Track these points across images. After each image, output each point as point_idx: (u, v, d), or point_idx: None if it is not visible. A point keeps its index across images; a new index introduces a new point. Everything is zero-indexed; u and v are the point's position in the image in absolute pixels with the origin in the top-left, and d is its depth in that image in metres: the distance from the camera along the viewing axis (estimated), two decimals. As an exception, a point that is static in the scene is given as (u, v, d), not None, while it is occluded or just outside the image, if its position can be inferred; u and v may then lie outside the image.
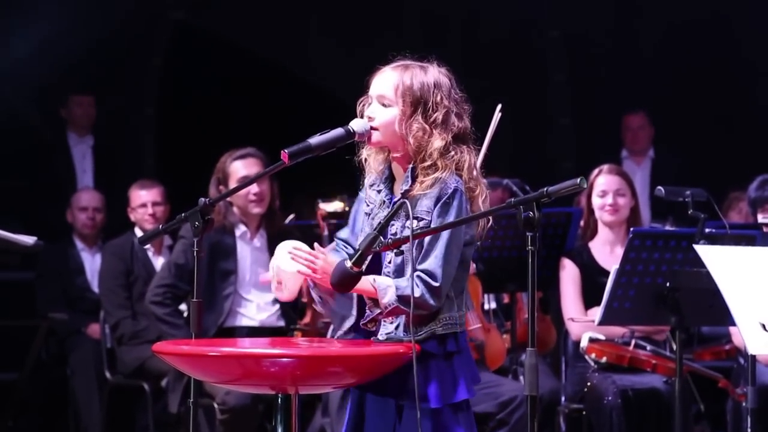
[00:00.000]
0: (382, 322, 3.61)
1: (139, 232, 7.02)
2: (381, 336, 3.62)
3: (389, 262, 3.60)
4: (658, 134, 9.22)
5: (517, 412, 5.67)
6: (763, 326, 3.71)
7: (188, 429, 4.12)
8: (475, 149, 3.66)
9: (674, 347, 5.12)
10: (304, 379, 3.48)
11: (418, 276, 3.50)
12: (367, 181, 3.71)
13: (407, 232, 3.50)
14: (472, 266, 4.75)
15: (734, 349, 6.21)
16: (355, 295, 3.64)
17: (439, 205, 3.53)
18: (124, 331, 6.81)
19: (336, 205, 6.58)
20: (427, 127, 3.57)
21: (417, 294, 3.49)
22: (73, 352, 7.27)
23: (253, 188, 6.11)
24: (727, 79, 9.52)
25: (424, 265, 3.51)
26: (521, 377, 5.90)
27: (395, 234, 3.58)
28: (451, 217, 3.52)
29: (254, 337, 5.94)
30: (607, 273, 5.35)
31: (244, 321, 6.16)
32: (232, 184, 6.01)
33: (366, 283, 3.52)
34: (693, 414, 6.04)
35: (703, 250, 3.92)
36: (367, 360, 3.51)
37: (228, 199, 6.11)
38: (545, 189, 3.35)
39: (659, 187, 5.16)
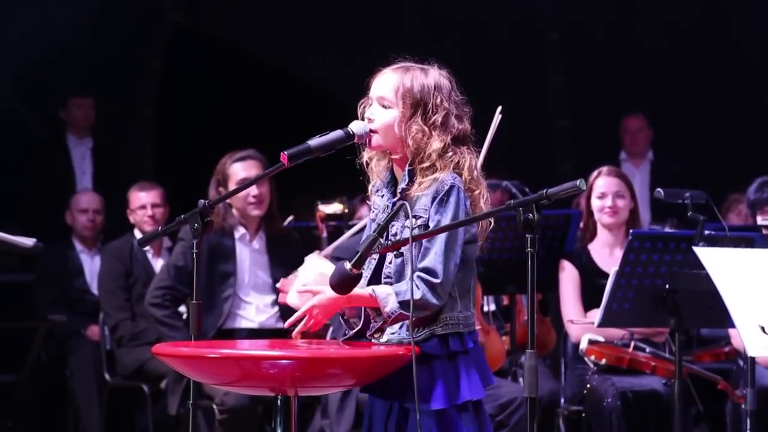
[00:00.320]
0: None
1: (138, 234, 7.02)
2: (383, 337, 3.61)
3: (389, 263, 3.60)
4: (658, 136, 9.23)
5: (517, 413, 5.66)
6: (762, 328, 3.71)
7: (187, 430, 4.12)
8: (476, 151, 3.66)
9: (673, 349, 5.11)
10: (304, 381, 3.48)
11: (417, 276, 3.49)
12: (372, 187, 3.72)
13: (406, 233, 3.50)
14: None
15: (733, 351, 6.21)
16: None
17: (436, 202, 3.53)
18: (124, 332, 6.81)
19: (335, 207, 6.59)
20: (426, 129, 3.58)
21: (418, 296, 3.48)
22: (72, 354, 7.26)
23: (253, 190, 6.11)
24: (726, 81, 9.52)
25: (424, 263, 3.50)
26: (521, 379, 5.90)
27: (395, 234, 3.58)
28: (448, 213, 3.52)
29: (253, 339, 5.94)
30: (606, 275, 5.35)
31: (243, 323, 6.16)
32: (232, 186, 6.01)
33: (365, 295, 3.52)
34: (692, 416, 6.04)
35: (703, 252, 3.93)
36: (366, 362, 3.51)
37: (227, 201, 6.10)
38: (544, 191, 3.35)
39: (658, 189, 5.17)
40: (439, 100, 3.59)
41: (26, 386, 7.40)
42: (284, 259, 6.23)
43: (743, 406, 5.16)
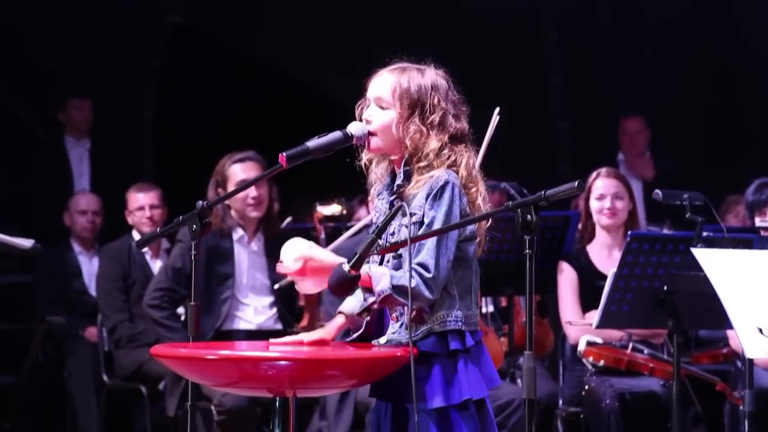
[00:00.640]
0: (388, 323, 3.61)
1: (136, 235, 7.02)
2: (382, 338, 3.62)
3: (387, 262, 3.61)
4: (656, 137, 9.23)
5: (515, 415, 5.66)
6: (760, 330, 3.71)
7: (186, 432, 4.13)
8: (474, 150, 3.66)
9: (672, 350, 5.11)
10: (302, 382, 3.48)
11: (414, 269, 3.50)
12: (373, 191, 3.72)
13: (404, 232, 3.50)
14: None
15: (731, 353, 6.22)
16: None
17: (430, 197, 3.53)
18: (122, 334, 6.81)
19: (333, 209, 6.59)
20: (423, 129, 3.58)
21: (413, 284, 3.48)
22: (70, 355, 7.26)
23: (252, 192, 6.11)
24: (724, 83, 9.53)
25: (418, 259, 3.51)
26: (519, 380, 5.90)
27: (393, 234, 3.58)
28: (442, 208, 3.52)
29: (252, 341, 5.94)
30: (604, 276, 5.35)
31: (241, 324, 6.16)
32: (231, 188, 6.01)
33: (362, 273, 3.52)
34: (690, 417, 6.04)
35: (701, 254, 3.93)
36: (364, 363, 3.51)
37: (226, 202, 6.10)
38: (543, 192, 3.35)
39: (657, 191, 5.16)
40: (436, 100, 3.60)
41: (24, 387, 7.39)
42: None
43: (741, 407, 5.16)
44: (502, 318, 6.46)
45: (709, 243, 4.89)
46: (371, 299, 3.55)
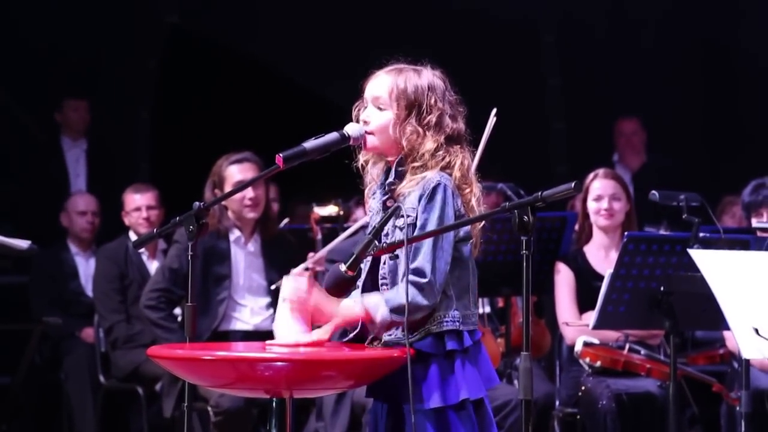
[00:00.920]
0: None
1: (133, 236, 7.01)
2: (375, 341, 3.62)
3: (384, 264, 3.60)
4: (653, 139, 9.24)
5: (512, 416, 5.66)
6: (757, 331, 3.72)
7: (182, 433, 4.12)
8: (470, 150, 3.66)
9: (668, 351, 5.12)
10: (299, 383, 3.48)
11: (409, 280, 3.49)
12: (368, 191, 3.72)
13: (398, 234, 3.50)
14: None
15: (728, 354, 6.22)
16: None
17: (423, 200, 3.53)
18: (118, 335, 6.80)
19: (330, 210, 6.58)
20: (420, 129, 3.58)
21: (407, 300, 3.47)
22: (67, 356, 7.26)
23: (249, 193, 6.10)
24: (722, 84, 9.54)
25: (414, 264, 3.50)
26: (515, 381, 5.90)
27: (387, 235, 3.58)
28: (435, 211, 3.52)
29: (248, 341, 5.94)
30: (601, 277, 5.36)
31: (238, 325, 6.15)
32: (228, 188, 6.00)
33: (356, 311, 3.52)
34: (687, 418, 6.05)
35: (698, 255, 3.93)
36: (361, 364, 3.50)
37: (223, 203, 6.10)
38: (540, 193, 3.35)
39: (653, 192, 5.17)
40: (432, 101, 3.60)
41: (21, 388, 7.39)
42: (279, 262, 6.24)
43: (738, 408, 5.17)
44: (499, 319, 6.46)
45: (706, 244, 4.90)
46: (376, 329, 3.53)
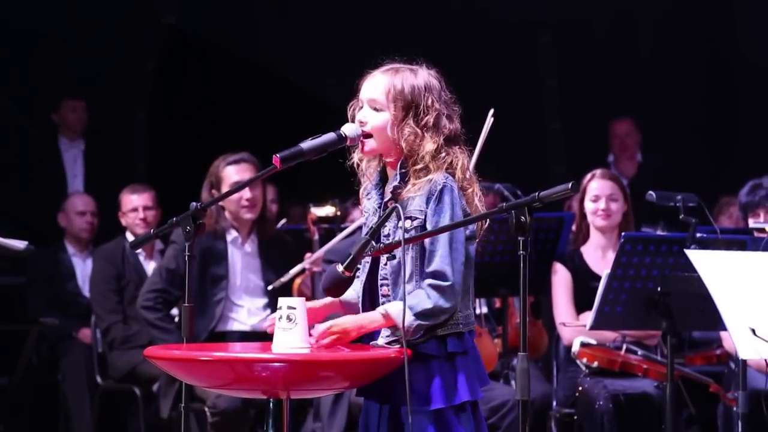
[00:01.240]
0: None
1: (130, 237, 7.01)
2: (380, 340, 3.61)
3: (384, 265, 3.60)
4: (650, 139, 9.23)
5: (509, 416, 5.67)
6: (753, 331, 3.72)
7: (179, 434, 4.12)
8: (467, 150, 3.66)
9: (665, 352, 5.12)
10: (296, 384, 3.47)
11: (428, 284, 3.51)
12: (362, 192, 3.72)
13: (400, 235, 3.50)
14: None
15: (725, 354, 6.22)
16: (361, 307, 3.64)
17: (431, 203, 3.53)
18: (116, 335, 6.80)
19: (327, 210, 6.58)
20: (418, 130, 3.58)
21: (430, 305, 3.49)
22: (64, 357, 7.25)
23: (246, 194, 6.10)
24: (719, 85, 9.54)
25: (432, 267, 3.52)
26: (512, 382, 5.90)
27: (387, 236, 3.58)
28: (445, 213, 3.52)
29: (245, 342, 5.93)
30: (598, 277, 5.36)
31: (235, 326, 6.15)
32: (225, 189, 6.00)
33: (379, 318, 3.52)
34: (684, 418, 6.05)
35: (694, 255, 3.93)
36: (358, 364, 3.50)
37: (220, 204, 6.10)
38: (537, 193, 3.35)
39: (650, 192, 5.17)
40: (430, 101, 3.60)
41: (18, 389, 7.38)
42: (276, 262, 6.24)
43: (735, 408, 5.17)
44: (496, 319, 6.46)
45: (703, 244, 4.90)
46: (399, 334, 3.50)
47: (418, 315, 3.49)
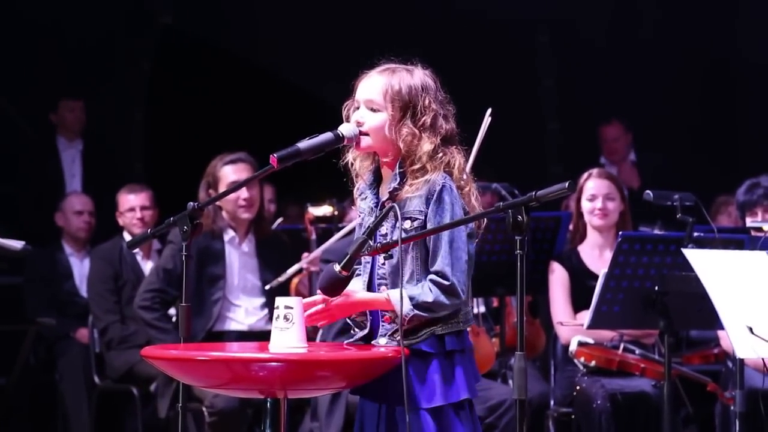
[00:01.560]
0: (381, 324, 3.62)
1: (127, 237, 7.01)
2: (381, 339, 3.61)
3: (382, 264, 3.61)
4: (648, 139, 9.23)
5: (506, 416, 5.67)
6: (751, 330, 3.72)
7: (177, 433, 4.13)
8: (463, 150, 3.67)
9: (663, 351, 5.12)
10: (293, 384, 3.48)
11: (430, 280, 3.52)
12: (356, 192, 3.72)
13: (397, 235, 3.50)
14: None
15: (722, 353, 6.22)
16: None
17: (431, 203, 3.54)
18: (113, 335, 6.80)
19: (325, 210, 6.58)
20: (416, 131, 3.58)
21: (430, 299, 3.50)
22: (61, 357, 7.25)
23: (243, 193, 6.10)
24: (716, 85, 9.54)
25: (435, 267, 3.53)
26: (510, 381, 5.90)
27: (385, 236, 3.58)
28: (446, 213, 3.53)
29: (243, 342, 5.93)
30: (596, 277, 5.36)
31: (232, 325, 6.15)
32: (222, 189, 6.00)
33: (381, 299, 3.54)
34: (682, 417, 6.05)
35: (692, 254, 3.93)
36: (356, 364, 3.50)
37: (217, 203, 6.10)
38: (534, 193, 3.36)
39: (648, 191, 5.17)
40: (426, 102, 3.60)
41: (15, 389, 7.38)
42: (273, 262, 6.24)
43: (732, 407, 5.17)
44: (493, 318, 6.46)
45: (700, 243, 4.90)
46: (395, 325, 3.53)
47: (417, 305, 3.50)
